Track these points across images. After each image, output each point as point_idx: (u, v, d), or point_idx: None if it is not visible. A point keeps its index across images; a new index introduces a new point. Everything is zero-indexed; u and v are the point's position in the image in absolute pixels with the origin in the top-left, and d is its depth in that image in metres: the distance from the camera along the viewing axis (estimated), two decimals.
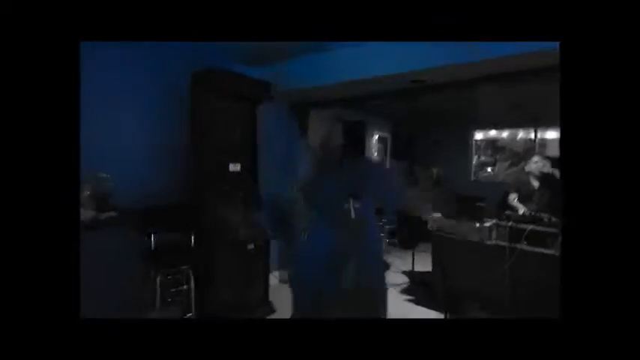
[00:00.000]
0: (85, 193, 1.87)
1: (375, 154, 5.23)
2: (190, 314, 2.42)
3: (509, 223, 2.78)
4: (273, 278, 3.49)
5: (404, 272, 4.10)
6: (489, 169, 6.57)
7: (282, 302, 3.08)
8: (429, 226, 3.35)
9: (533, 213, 2.88)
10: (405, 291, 3.64)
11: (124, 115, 2.57)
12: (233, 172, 2.92)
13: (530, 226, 2.70)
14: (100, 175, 2.03)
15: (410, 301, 3.40)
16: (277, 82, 3.07)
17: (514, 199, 3.29)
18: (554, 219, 2.70)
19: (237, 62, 3.19)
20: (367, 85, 2.82)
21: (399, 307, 3.25)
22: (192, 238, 2.56)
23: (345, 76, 2.72)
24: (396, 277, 3.96)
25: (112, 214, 1.98)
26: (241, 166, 2.98)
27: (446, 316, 2.99)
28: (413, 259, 3.97)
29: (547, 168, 3.21)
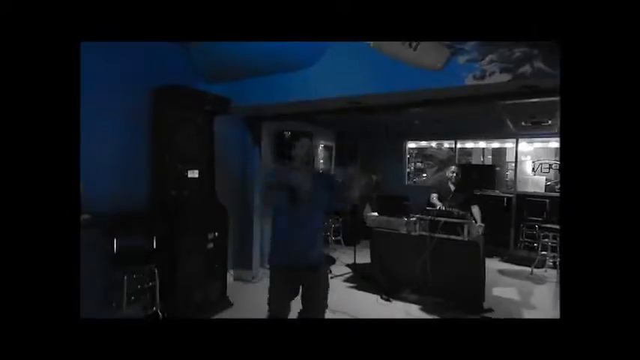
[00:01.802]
0: None
1: (321, 161, 5.74)
2: (155, 308, 2.62)
3: (429, 217, 3.43)
4: (230, 276, 3.75)
5: (347, 265, 4.62)
6: (424, 175, 7.48)
7: (238, 298, 3.38)
8: (367, 223, 3.90)
9: (446, 209, 3.57)
10: (348, 280, 4.15)
11: (92, 124, 2.70)
12: (192, 179, 3.18)
13: (444, 219, 3.37)
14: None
15: (352, 287, 3.91)
16: (234, 98, 3.40)
17: (434, 197, 3.99)
18: (462, 213, 3.39)
19: (198, 79, 3.45)
20: (313, 104, 3.28)
21: (344, 293, 3.73)
22: (155, 239, 2.77)
23: (294, 96, 3.14)
24: (340, 269, 4.46)
25: (87, 216, 2.16)
26: (199, 172, 3.25)
27: (383, 298, 3.52)
28: (355, 253, 4.50)
29: (459, 176, 3.97)
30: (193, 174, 3.19)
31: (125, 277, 2.47)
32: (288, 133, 4.48)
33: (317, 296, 1.96)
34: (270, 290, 1.98)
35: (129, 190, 2.87)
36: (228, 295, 3.36)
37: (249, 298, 3.49)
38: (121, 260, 2.53)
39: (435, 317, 3.19)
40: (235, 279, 4.00)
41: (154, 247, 2.75)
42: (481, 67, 2.19)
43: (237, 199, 3.99)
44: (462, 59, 2.27)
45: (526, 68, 2.05)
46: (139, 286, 2.60)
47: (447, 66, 2.32)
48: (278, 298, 1.95)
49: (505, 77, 2.12)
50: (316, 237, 1.98)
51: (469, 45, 2.24)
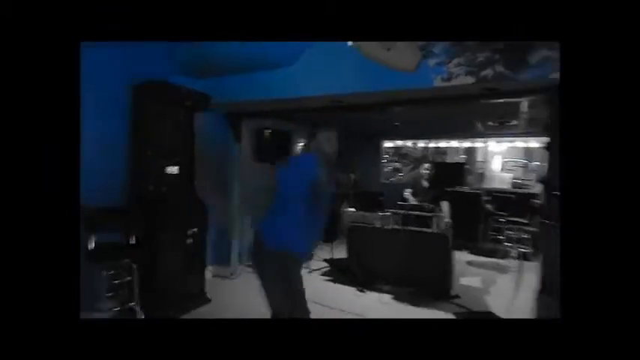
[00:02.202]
0: None
1: None
2: (132, 303, 2.63)
3: (402, 211, 3.61)
4: (208, 272, 3.78)
5: (325, 260, 4.76)
6: (400, 174, 7.74)
7: (216, 295, 3.42)
8: (344, 219, 4.04)
9: (418, 203, 3.77)
10: (325, 274, 4.28)
11: None
12: (171, 174, 3.19)
13: (416, 213, 3.56)
14: None
15: (329, 281, 4.04)
16: (215, 94, 3.42)
17: (408, 193, 4.18)
18: (432, 207, 3.60)
19: (178, 74, 3.45)
20: (293, 102, 3.36)
21: (322, 286, 3.86)
22: (134, 235, 2.77)
23: (274, 94, 3.22)
24: (318, 264, 4.59)
25: None
26: (179, 168, 3.26)
27: (359, 290, 3.67)
28: (332, 249, 4.63)
29: (432, 174, 4.19)
30: (173, 170, 3.20)
31: (103, 273, 2.46)
32: (268, 132, 4.54)
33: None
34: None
35: (106, 184, 2.85)
36: (206, 291, 3.40)
37: (227, 294, 3.54)
38: (98, 255, 2.51)
39: (406, 306, 3.36)
40: (214, 275, 4.03)
41: (133, 242, 2.75)
42: (448, 69, 2.36)
43: (216, 195, 4.01)
44: (431, 62, 2.44)
45: (488, 71, 2.24)
46: (116, 282, 2.60)
47: (419, 68, 2.47)
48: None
49: (469, 80, 2.30)
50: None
51: (438, 48, 2.40)
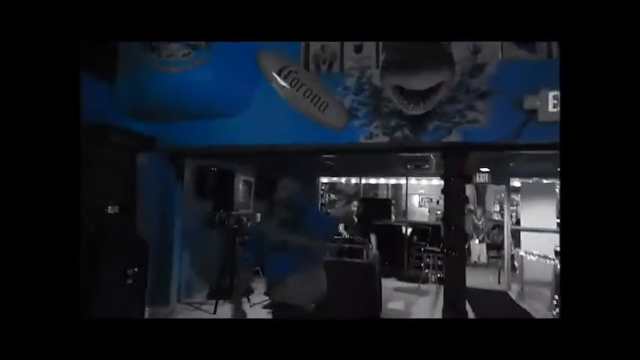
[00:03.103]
0: None
1: (241, 194, 6.05)
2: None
3: (335, 244, 4.06)
4: (146, 314, 3.70)
5: (265, 293, 4.93)
6: (336, 206, 8.33)
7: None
8: None
9: (350, 237, 4.27)
10: (266, 307, 4.46)
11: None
12: (112, 214, 3.21)
13: (348, 245, 4.03)
14: None
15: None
16: (159, 136, 3.59)
17: (341, 227, 4.68)
18: (362, 239, 4.12)
19: (122, 117, 3.55)
20: (236, 148, 3.69)
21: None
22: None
23: (218, 140, 3.52)
24: (259, 297, 4.74)
25: None
26: (119, 207, 3.29)
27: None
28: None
29: (361, 210, 4.77)
30: (114, 209, 3.23)
31: None
32: (214, 170, 4.74)
33: None
34: None
35: None
36: None
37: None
38: None
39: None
40: (150, 316, 3.93)
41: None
42: (369, 130, 2.96)
43: (157, 233, 4.03)
44: (357, 123, 3.02)
45: (398, 134, 2.88)
46: None
47: (347, 126, 3.04)
48: None
49: (385, 139, 2.92)
50: None
51: (361, 113, 3.00)
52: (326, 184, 8.17)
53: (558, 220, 6.62)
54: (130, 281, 3.19)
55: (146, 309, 3.71)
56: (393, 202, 7.63)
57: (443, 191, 3.05)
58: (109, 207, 3.20)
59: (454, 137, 2.81)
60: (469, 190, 6.92)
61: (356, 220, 4.77)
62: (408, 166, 5.60)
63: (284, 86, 3.20)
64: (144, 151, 3.55)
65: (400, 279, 6.11)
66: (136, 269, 3.26)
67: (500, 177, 5.90)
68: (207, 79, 3.31)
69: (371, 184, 8.26)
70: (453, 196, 2.99)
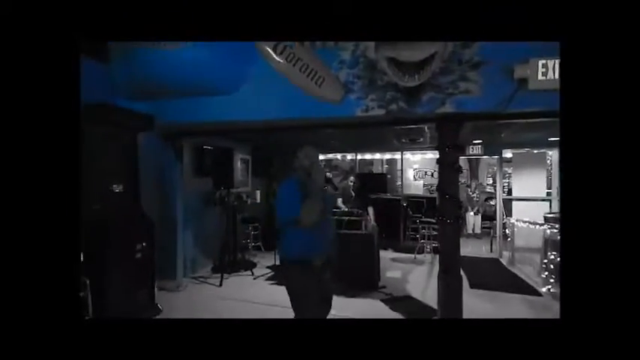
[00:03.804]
0: None
1: (239, 172, 6.14)
2: (87, 317, 2.71)
3: (335, 217, 4.20)
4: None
5: (267, 267, 5.14)
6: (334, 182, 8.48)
7: (166, 305, 3.58)
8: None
9: (349, 209, 4.41)
10: (269, 279, 4.67)
11: None
12: (117, 193, 3.30)
13: (347, 218, 4.18)
14: None
15: (274, 284, 4.44)
16: (157, 115, 3.63)
17: (339, 201, 4.82)
18: (360, 212, 4.26)
19: (118, 96, 3.58)
20: (233, 124, 3.74)
21: (268, 288, 4.24)
22: (83, 252, 2.84)
23: (216, 117, 3.56)
24: (262, 271, 4.95)
25: None
26: (123, 186, 3.38)
27: None
28: (275, 256, 5.04)
29: (358, 184, 4.91)
30: (118, 188, 3.32)
31: None
32: (208, 149, 4.81)
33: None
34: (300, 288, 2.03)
35: None
36: (156, 302, 3.53)
37: (175, 305, 3.72)
38: None
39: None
40: (160, 289, 4.10)
41: (82, 259, 2.82)
42: (365, 103, 3.02)
43: (159, 212, 4.14)
44: (353, 96, 3.08)
45: (393, 106, 2.95)
46: None
47: (343, 100, 3.10)
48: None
49: (381, 112, 2.99)
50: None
51: (357, 86, 3.06)
52: (322, 160, 8.26)
53: (549, 190, 6.84)
54: (138, 255, 3.32)
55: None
56: (389, 176, 7.76)
57: (437, 161, 3.16)
58: (114, 185, 3.28)
59: (448, 108, 2.89)
60: (463, 165, 7.08)
61: (353, 194, 4.90)
62: (403, 140, 5.69)
63: (280, 62, 3.22)
64: (143, 130, 3.60)
65: (397, 250, 6.34)
66: (144, 244, 3.39)
67: (492, 148, 6.03)
68: (202, 56, 3.32)
69: (366, 160, 8.37)
70: (447, 165, 3.10)
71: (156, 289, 3.96)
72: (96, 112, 3.11)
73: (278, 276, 4.68)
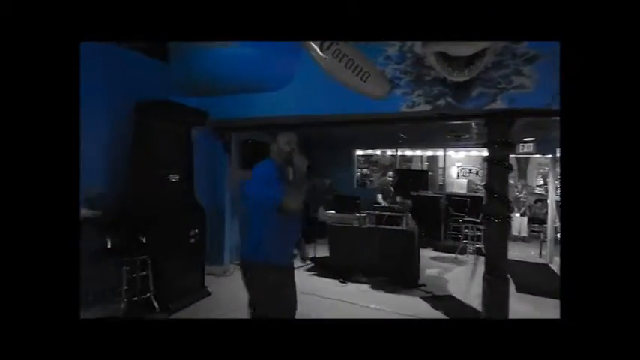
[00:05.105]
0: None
1: None
2: (148, 294, 3.01)
3: (376, 212, 4.23)
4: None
5: (307, 258, 5.27)
6: (372, 179, 8.46)
7: (214, 289, 3.83)
8: (324, 221, 4.59)
9: (388, 205, 4.41)
10: (309, 270, 4.80)
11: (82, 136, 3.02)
12: (173, 182, 3.58)
13: (387, 213, 4.19)
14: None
15: (314, 275, 4.56)
16: (209, 111, 3.87)
17: (379, 197, 4.83)
18: (400, 208, 4.25)
19: (177, 93, 3.87)
20: (277, 119, 3.89)
21: (308, 279, 4.38)
22: (144, 235, 3.14)
23: (263, 113, 3.72)
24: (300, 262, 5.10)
25: (90, 213, 2.52)
26: (179, 177, 3.65)
27: (340, 281, 4.21)
28: (314, 248, 5.17)
29: (397, 180, 4.88)
30: (175, 178, 3.60)
31: (123, 268, 2.83)
32: (250, 142, 5.04)
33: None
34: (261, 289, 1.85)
35: (119, 191, 3.21)
36: (206, 285, 3.80)
37: (223, 288, 3.97)
38: (117, 253, 2.88)
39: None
40: (208, 273, 4.40)
41: (144, 241, 3.12)
42: (411, 99, 3.00)
43: (209, 201, 4.42)
44: (399, 92, 3.08)
45: (441, 102, 2.91)
46: (133, 275, 2.96)
47: (389, 96, 3.10)
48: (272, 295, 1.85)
49: (427, 107, 2.96)
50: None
51: (403, 82, 3.05)
52: (362, 156, 8.24)
53: None
54: (192, 241, 3.59)
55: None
56: (430, 173, 7.57)
57: (486, 159, 3.07)
58: (171, 175, 3.57)
59: (499, 104, 2.79)
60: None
61: (392, 190, 4.88)
62: (448, 137, 5.54)
63: (325, 58, 3.29)
64: (197, 124, 3.85)
65: (437, 249, 6.20)
66: (196, 230, 3.65)
67: (545, 147, 5.67)
68: (253, 54, 3.48)
69: (405, 157, 8.22)
70: (496, 163, 3.00)
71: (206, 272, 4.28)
72: (156, 108, 3.41)
73: (317, 268, 4.80)
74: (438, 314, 3.43)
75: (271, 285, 1.82)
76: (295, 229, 1.93)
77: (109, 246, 2.91)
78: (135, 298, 2.94)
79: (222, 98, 3.94)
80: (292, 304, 1.94)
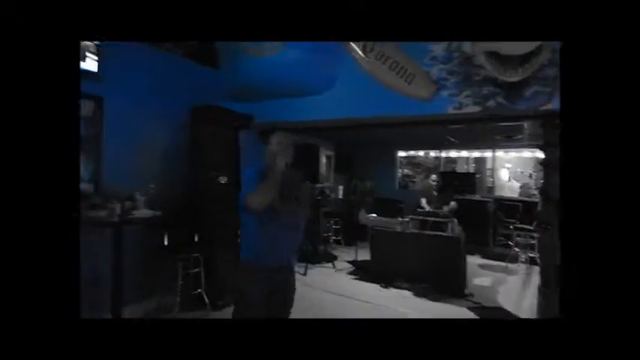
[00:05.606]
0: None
1: (323, 168, 6.41)
2: (200, 290, 3.21)
3: (420, 217, 4.12)
4: None
5: (347, 261, 5.28)
6: (414, 180, 8.24)
7: None
8: (365, 224, 4.56)
9: (433, 210, 4.27)
10: (350, 273, 4.80)
11: (142, 140, 3.30)
12: (223, 184, 3.78)
13: (432, 218, 4.06)
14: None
15: (355, 279, 4.55)
16: (254, 115, 4.03)
17: (423, 201, 4.69)
18: (445, 213, 4.09)
19: (225, 99, 4.08)
20: (323, 123, 3.94)
21: (348, 283, 4.38)
22: (196, 234, 3.35)
23: (307, 116, 3.80)
24: (342, 265, 5.12)
25: (152, 214, 2.75)
26: (228, 179, 3.84)
27: (382, 286, 4.17)
28: (356, 252, 5.15)
29: (440, 183, 4.71)
30: (223, 180, 3.79)
31: (179, 264, 3.05)
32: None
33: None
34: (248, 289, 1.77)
35: (175, 192, 3.46)
36: None
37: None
38: (172, 250, 3.11)
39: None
40: None
41: (196, 240, 3.34)
42: (458, 100, 2.89)
43: None
44: (445, 93, 2.98)
45: (491, 102, 2.77)
46: (187, 272, 3.18)
47: (435, 97, 3.02)
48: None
49: (476, 108, 2.83)
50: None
51: (450, 82, 2.94)
52: (404, 157, 8.05)
53: None
54: (239, 240, 3.75)
55: None
56: (478, 176, 7.19)
57: (542, 163, 2.87)
58: (220, 177, 3.76)
59: (555, 104, 2.59)
60: None
61: (436, 193, 4.72)
62: (497, 137, 5.23)
63: (368, 60, 3.28)
64: (243, 128, 4.03)
65: (485, 257, 5.89)
66: None
67: None
68: (298, 60, 3.56)
69: (450, 158, 7.88)
70: (553, 167, 2.79)
71: None
72: (206, 113, 3.62)
73: (358, 271, 4.78)
74: None
75: (258, 286, 1.75)
76: (290, 230, 1.81)
77: (165, 243, 3.14)
78: (192, 293, 3.15)
79: (266, 103, 4.08)
80: (281, 308, 1.83)
